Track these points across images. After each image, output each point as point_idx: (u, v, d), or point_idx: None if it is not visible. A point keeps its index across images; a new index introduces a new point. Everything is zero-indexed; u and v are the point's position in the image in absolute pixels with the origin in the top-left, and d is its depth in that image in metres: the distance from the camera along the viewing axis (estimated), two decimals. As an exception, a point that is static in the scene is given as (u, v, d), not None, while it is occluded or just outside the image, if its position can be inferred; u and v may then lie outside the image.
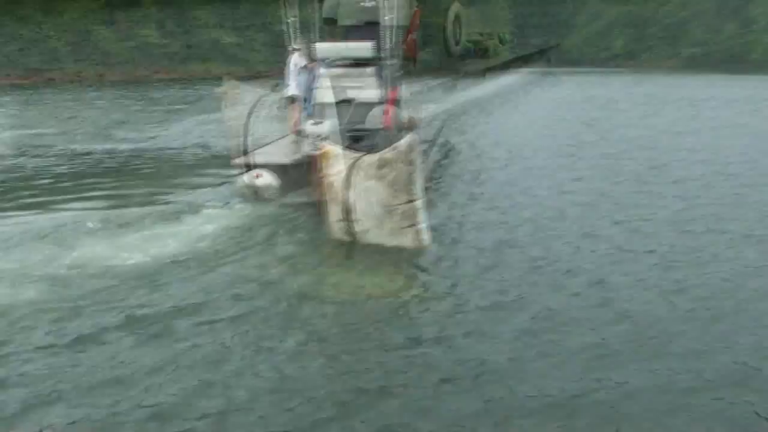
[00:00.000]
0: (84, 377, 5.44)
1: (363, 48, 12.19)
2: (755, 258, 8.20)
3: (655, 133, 17.86)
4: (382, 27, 11.65)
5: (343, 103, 12.18)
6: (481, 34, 17.35)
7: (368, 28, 12.02)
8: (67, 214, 9.82)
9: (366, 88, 12.23)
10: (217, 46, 43.30)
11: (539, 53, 17.80)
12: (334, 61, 12.47)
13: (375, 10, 11.99)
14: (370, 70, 12.36)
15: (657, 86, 27.42)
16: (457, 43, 13.59)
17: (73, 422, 4.87)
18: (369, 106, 12.10)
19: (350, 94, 12.21)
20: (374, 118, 11.80)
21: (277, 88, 10.35)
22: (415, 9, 12.20)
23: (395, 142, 8.36)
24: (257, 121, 9.28)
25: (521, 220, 9.73)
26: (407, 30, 11.90)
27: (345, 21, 12.52)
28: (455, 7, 13.81)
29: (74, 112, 22.60)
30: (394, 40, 12.15)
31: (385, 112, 11.85)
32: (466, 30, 15.00)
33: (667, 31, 45.35)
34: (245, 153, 10.14)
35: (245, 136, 10.06)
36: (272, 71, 13.37)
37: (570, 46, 43.63)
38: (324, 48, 12.49)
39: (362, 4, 12.44)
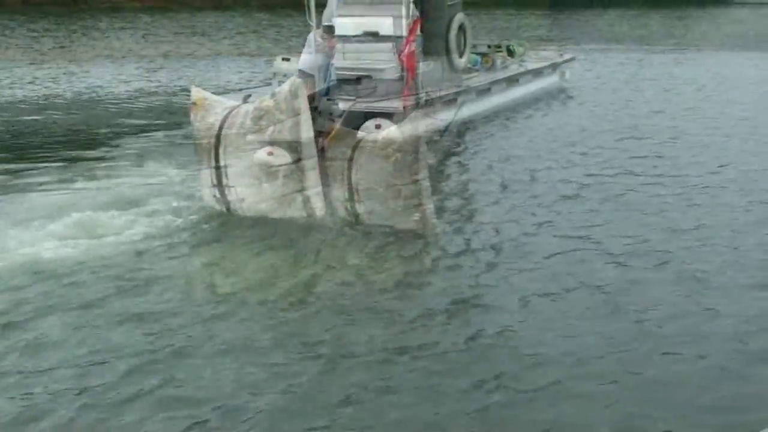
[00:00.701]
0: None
1: (382, 23, 12.09)
2: None
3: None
4: (382, 37, 11.76)
5: (359, 80, 12.09)
6: (489, 46, 16.84)
7: (366, 38, 12.12)
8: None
9: (383, 65, 12.12)
10: (247, 23, 43.45)
11: (550, 67, 17.09)
12: (352, 38, 12.38)
13: (374, 20, 12.10)
14: (387, 46, 12.24)
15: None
16: (461, 56, 13.25)
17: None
18: (386, 83, 12.00)
19: (367, 71, 12.10)
20: (390, 96, 11.69)
21: (249, 99, 9.93)
22: (415, 19, 12.01)
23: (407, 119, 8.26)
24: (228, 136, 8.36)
25: (538, 205, 9.25)
26: (405, 40, 11.75)
27: (344, 31, 12.41)
28: (459, 18, 13.44)
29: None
30: (410, 18, 12.01)
31: (402, 90, 11.73)
32: (471, 41, 14.67)
33: (705, 10, 44.27)
34: (218, 183, 8.54)
35: (216, 155, 8.41)
36: (298, 49, 13.31)
37: (605, 23, 42.74)
38: (343, 23, 12.40)
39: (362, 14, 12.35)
